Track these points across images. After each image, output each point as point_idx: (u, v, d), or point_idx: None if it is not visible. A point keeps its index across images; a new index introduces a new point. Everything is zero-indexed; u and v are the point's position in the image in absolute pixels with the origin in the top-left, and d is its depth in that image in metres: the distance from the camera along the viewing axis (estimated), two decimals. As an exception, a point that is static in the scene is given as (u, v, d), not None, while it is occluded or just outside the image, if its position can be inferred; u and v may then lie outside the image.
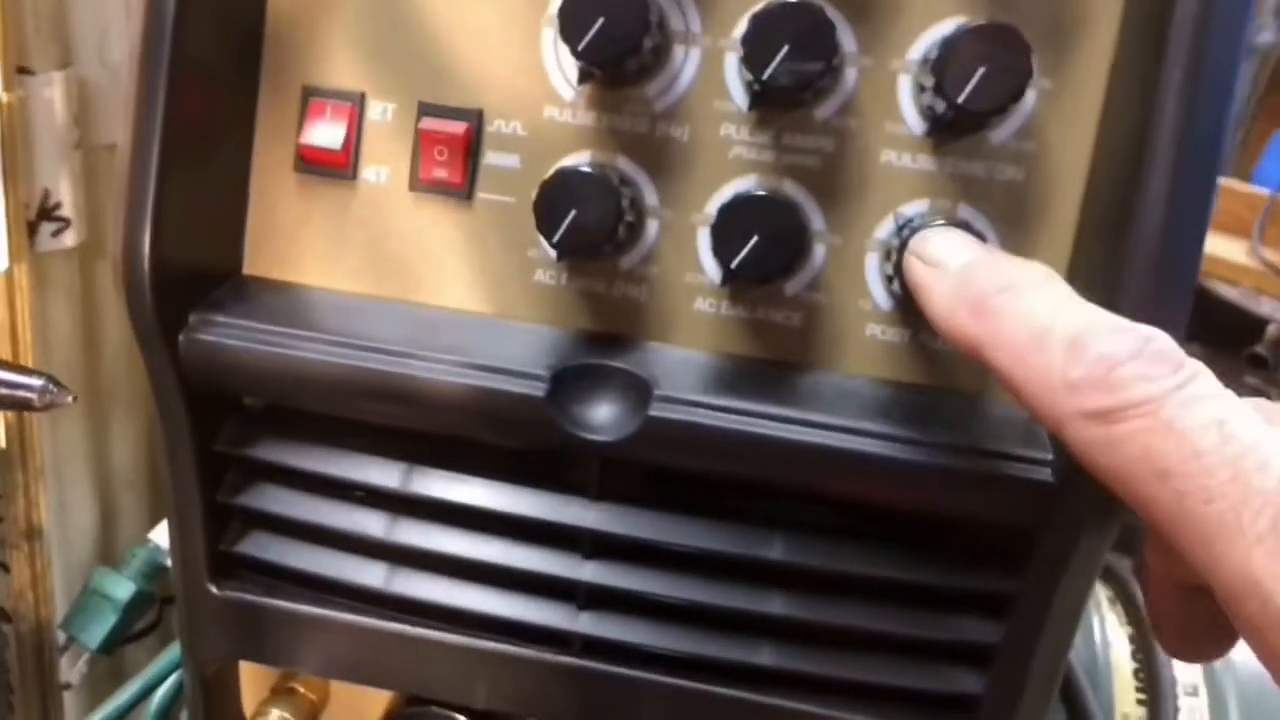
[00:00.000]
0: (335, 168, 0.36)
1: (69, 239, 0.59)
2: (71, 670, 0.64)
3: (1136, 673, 0.63)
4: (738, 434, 0.32)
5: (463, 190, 0.35)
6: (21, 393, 0.30)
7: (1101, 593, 0.68)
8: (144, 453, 0.71)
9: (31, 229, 0.57)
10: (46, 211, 0.58)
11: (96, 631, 0.65)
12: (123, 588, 0.65)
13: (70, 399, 0.31)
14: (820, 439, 0.32)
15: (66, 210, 0.59)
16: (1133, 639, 0.65)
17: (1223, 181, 1.67)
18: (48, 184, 0.58)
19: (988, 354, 0.26)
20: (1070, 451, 0.25)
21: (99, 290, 0.64)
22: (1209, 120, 0.29)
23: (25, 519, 0.58)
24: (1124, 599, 0.66)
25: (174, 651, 0.57)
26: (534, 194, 0.34)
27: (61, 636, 0.65)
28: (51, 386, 0.30)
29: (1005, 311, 0.26)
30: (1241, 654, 0.25)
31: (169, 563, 0.65)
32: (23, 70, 0.55)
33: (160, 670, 0.54)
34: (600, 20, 0.31)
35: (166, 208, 0.33)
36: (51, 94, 0.57)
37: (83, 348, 0.64)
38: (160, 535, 0.67)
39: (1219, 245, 1.57)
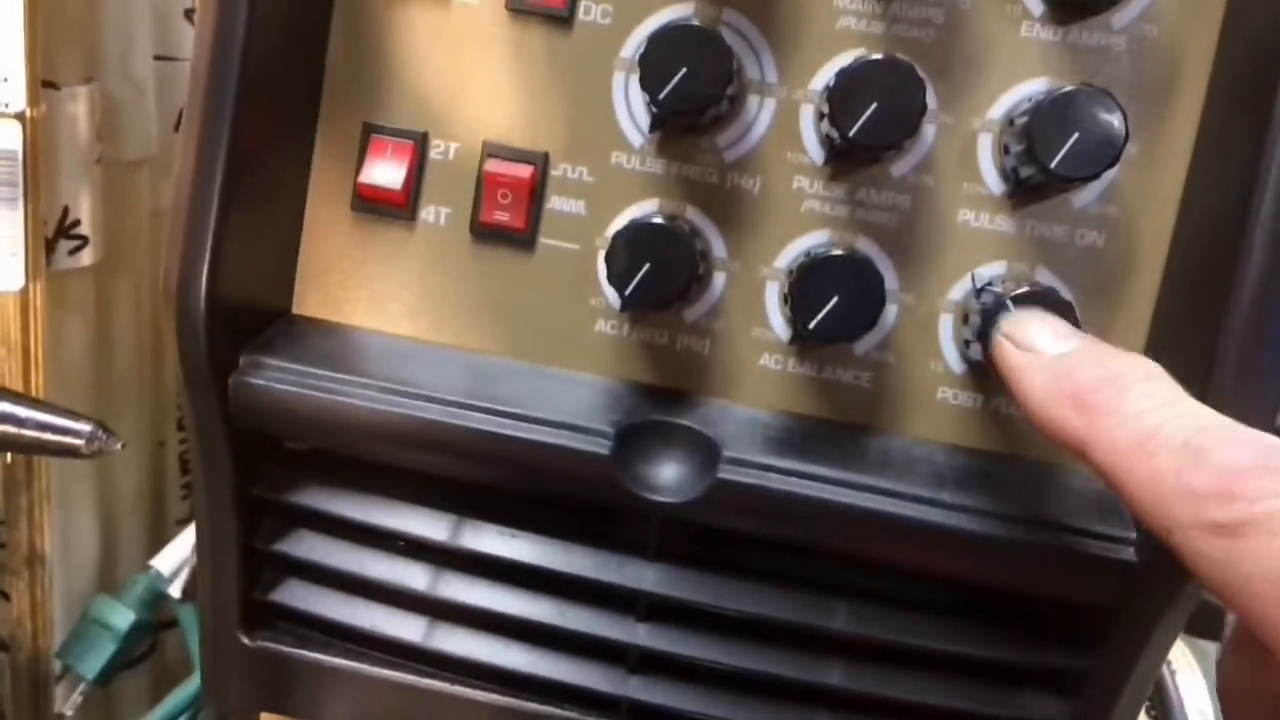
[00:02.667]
0: (394, 207, 0.35)
1: (86, 257, 0.58)
2: (66, 701, 0.62)
3: (1153, 731, 0.62)
4: (807, 499, 0.31)
5: (525, 235, 0.34)
6: (69, 438, 0.28)
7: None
8: (147, 478, 0.69)
9: (49, 246, 0.55)
10: (65, 229, 0.57)
11: (94, 662, 0.63)
12: (122, 616, 0.63)
13: (119, 446, 0.30)
14: (892, 507, 0.31)
15: (85, 228, 0.58)
16: (1150, 697, 0.64)
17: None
18: (68, 201, 0.57)
19: (1089, 452, 0.25)
20: (1177, 557, 0.24)
21: (112, 310, 0.62)
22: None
23: (28, 545, 0.57)
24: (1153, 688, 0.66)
25: (184, 692, 0.55)
26: (599, 242, 0.33)
27: (57, 665, 0.63)
28: (100, 433, 0.29)
29: (1108, 409, 0.25)
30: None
31: (170, 590, 0.63)
32: (47, 84, 0.53)
33: (169, 712, 0.52)
34: (683, 71, 0.30)
35: (225, 245, 0.32)
36: (75, 109, 0.55)
37: (93, 369, 0.62)
38: (161, 562, 0.65)
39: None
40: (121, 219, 0.62)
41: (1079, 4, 0.31)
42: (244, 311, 0.33)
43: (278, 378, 0.33)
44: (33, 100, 0.51)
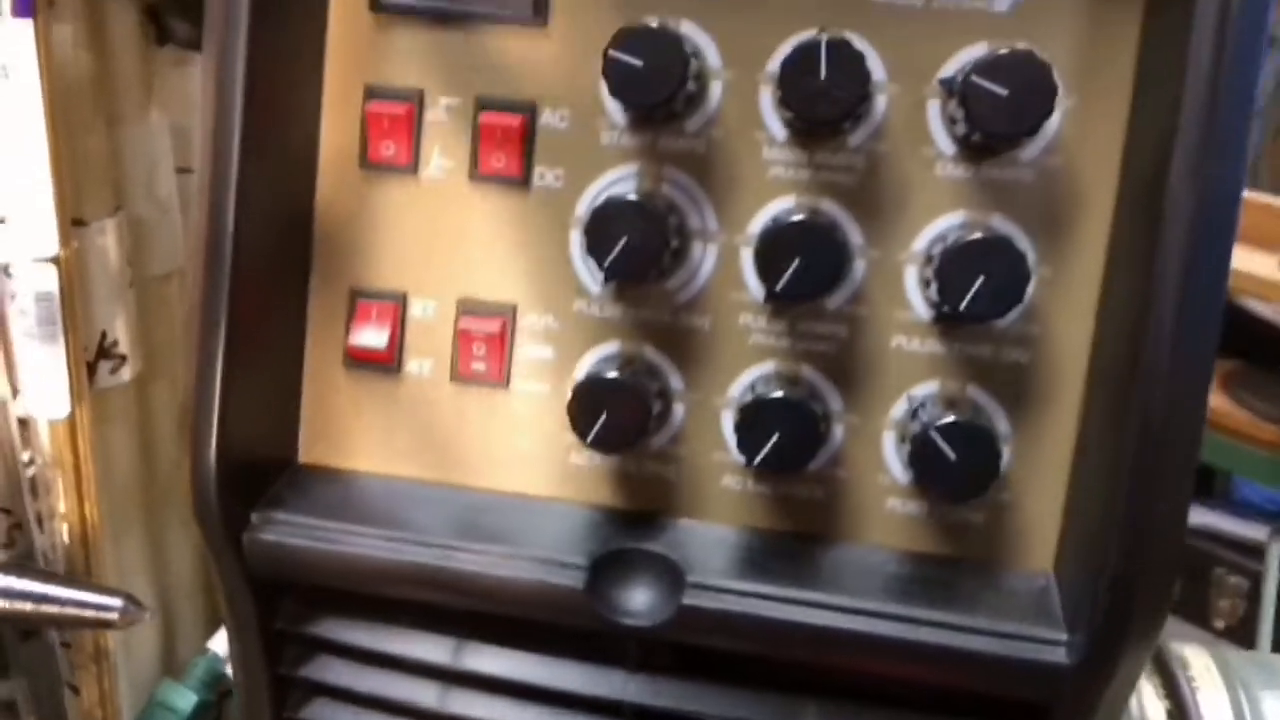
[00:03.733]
0: (382, 363, 0.38)
1: (126, 374, 0.62)
2: (140, 780, 0.67)
3: (1173, 749, 0.64)
4: (765, 620, 0.34)
5: (501, 381, 0.38)
6: (103, 613, 0.32)
7: (1139, 664, 0.69)
8: (200, 563, 0.74)
9: (91, 369, 0.60)
10: (105, 351, 0.61)
11: (163, 744, 0.67)
12: (185, 699, 0.68)
13: (148, 616, 0.34)
14: (843, 623, 0.34)
15: (123, 347, 0.62)
16: (1170, 713, 0.65)
17: (1252, 195, 1.67)
18: (104, 325, 0.61)
19: None
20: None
21: (153, 415, 0.67)
22: (1206, 297, 0.31)
23: (93, 642, 0.61)
24: (1162, 670, 0.67)
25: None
26: (567, 383, 0.37)
27: (129, 749, 0.68)
28: (131, 606, 0.32)
29: None
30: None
31: (227, 670, 0.68)
32: (76, 222, 0.58)
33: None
34: (624, 239, 0.33)
35: (230, 415, 0.36)
36: (105, 241, 0.60)
37: (140, 470, 0.67)
38: (218, 644, 0.70)
39: (1248, 260, 1.56)
40: (155, 329, 0.67)
41: (983, 145, 0.34)
42: (254, 469, 0.37)
43: (288, 532, 0.37)
44: (64, 242, 0.55)
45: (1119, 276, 0.33)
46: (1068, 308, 0.34)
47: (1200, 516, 1.68)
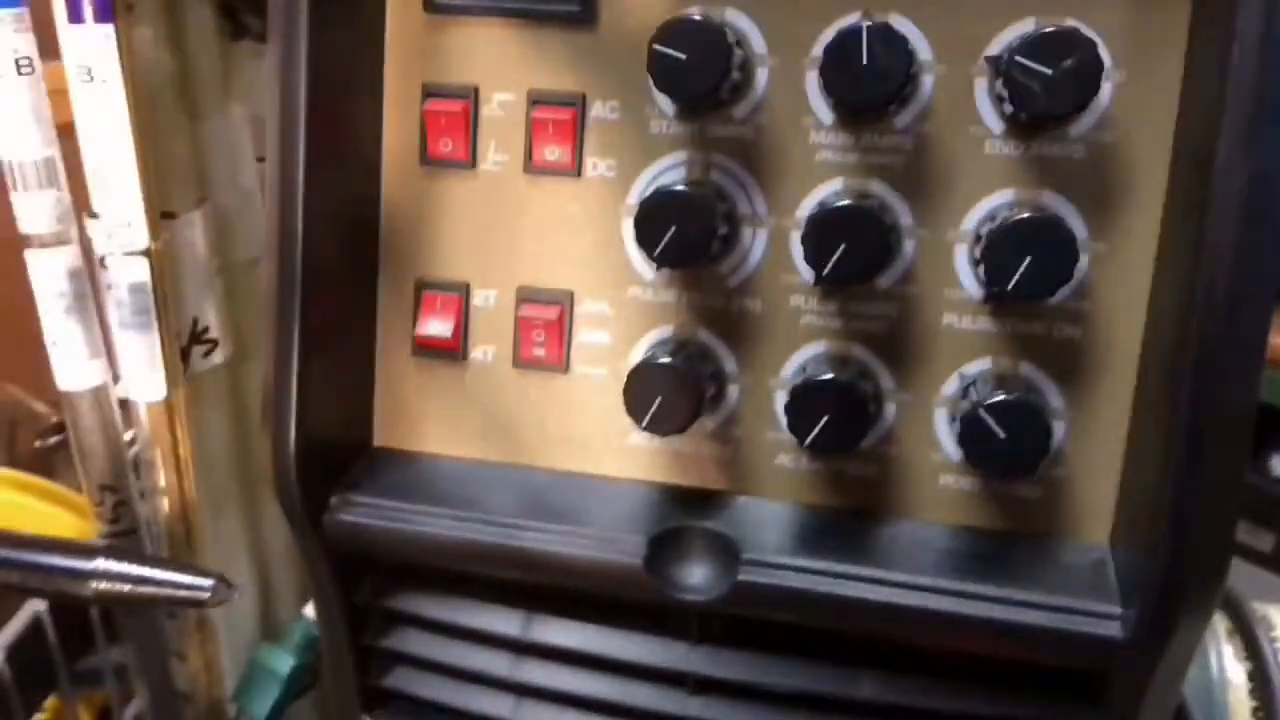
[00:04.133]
0: (448, 350, 0.40)
1: (218, 357, 0.65)
2: (243, 739, 0.71)
3: (1255, 711, 0.63)
4: (820, 595, 0.35)
5: (561, 365, 0.39)
6: (196, 593, 0.35)
7: (1220, 624, 0.68)
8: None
9: (185, 355, 0.63)
10: (197, 336, 0.65)
11: (263, 703, 0.71)
12: (283, 661, 0.72)
13: (236, 595, 0.36)
14: (897, 598, 0.35)
15: (214, 332, 0.65)
16: (1251, 675, 0.64)
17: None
18: (195, 313, 0.64)
19: None
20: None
21: (245, 396, 0.70)
22: (1257, 273, 0.31)
23: (195, 614, 0.65)
24: (1243, 631, 0.66)
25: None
26: (623, 365, 0.38)
27: (232, 709, 0.72)
28: (220, 586, 0.35)
29: None
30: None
31: (322, 633, 0.71)
32: (166, 214, 0.61)
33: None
34: (672, 229, 0.34)
35: (307, 405, 0.38)
36: (193, 233, 0.63)
37: (236, 448, 0.70)
38: (312, 610, 0.73)
39: None
40: (243, 312, 0.70)
41: (1034, 120, 0.33)
42: (332, 453, 0.39)
43: (365, 513, 0.39)
44: (154, 235, 0.58)
45: (1172, 251, 0.33)
46: (1121, 283, 0.34)
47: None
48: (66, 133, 0.57)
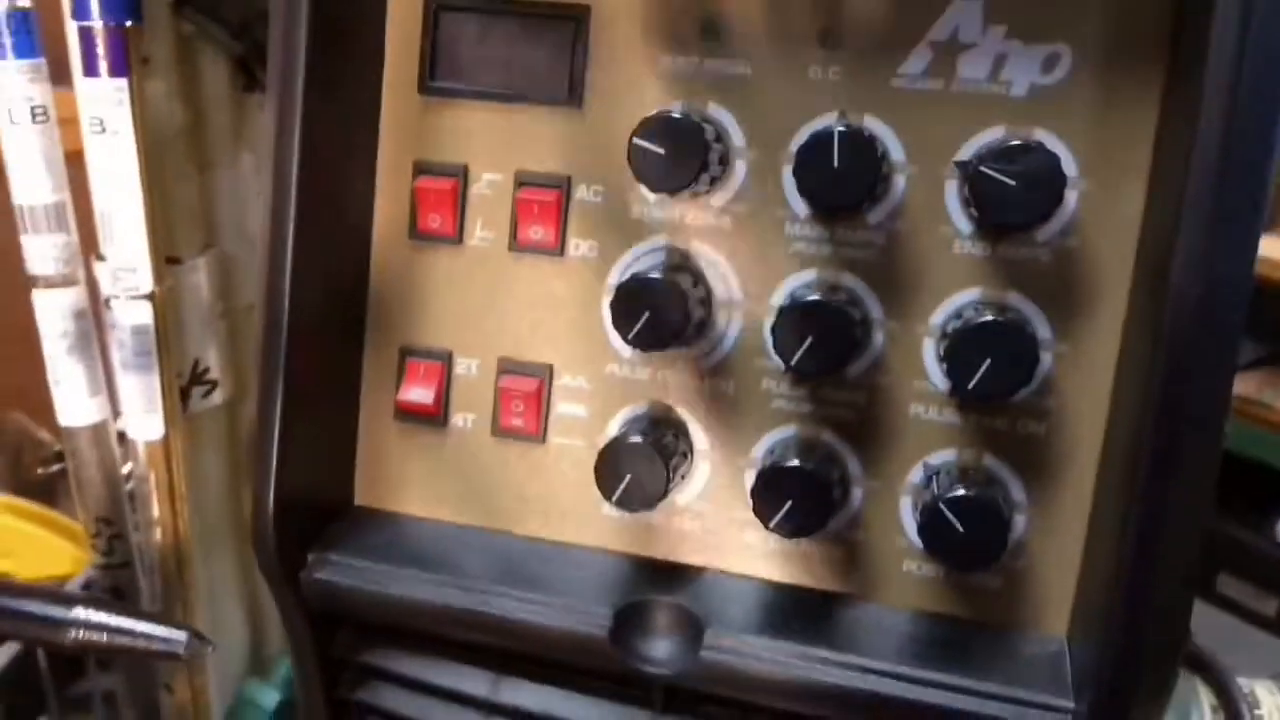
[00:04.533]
0: (429, 416, 0.41)
1: (217, 397, 0.67)
2: (227, 773, 0.72)
3: (1240, 789, 0.63)
4: (781, 677, 0.36)
5: (538, 435, 0.40)
6: (170, 647, 0.36)
7: (1205, 698, 0.68)
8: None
9: (185, 394, 0.64)
10: (197, 377, 0.66)
11: (248, 738, 0.72)
12: (270, 697, 0.72)
13: (210, 650, 0.37)
14: (857, 682, 0.35)
15: (214, 373, 0.66)
16: (1235, 753, 0.64)
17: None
18: (197, 354, 0.66)
19: None
20: None
21: (244, 434, 0.71)
22: (1209, 386, 0.31)
23: (185, 645, 0.66)
24: (1227, 706, 0.66)
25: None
26: (599, 439, 0.39)
27: (218, 742, 0.73)
28: (195, 641, 0.36)
29: None
30: None
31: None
32: (171, 260, 0.62)
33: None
34: (646, 314, 0.35)
35: (287, 460, 0.39)
36: (198, 278, 0.64)
37: (231, 486, 0.71)
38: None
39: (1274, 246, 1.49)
40: (243, 354, 0.71)
41: (1000, 226, 0.34)
42: (311, 510, 0.41)
43: (341, 572, 0.40)
44: (158, 279, 0.59)
45: (1132, 355, 0.34)
46: (1084, 383, 0.35)
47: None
48: (74, 160, 0.59)
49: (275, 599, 0.41)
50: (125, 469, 0.66)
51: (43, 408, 0.94)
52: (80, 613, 0.35)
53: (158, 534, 0.65)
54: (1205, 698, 0.67)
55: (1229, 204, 0.30)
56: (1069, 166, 0.34)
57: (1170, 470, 0.31)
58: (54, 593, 0.41)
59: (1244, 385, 1.56)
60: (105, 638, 0.36)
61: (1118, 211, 0.34)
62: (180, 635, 0.35)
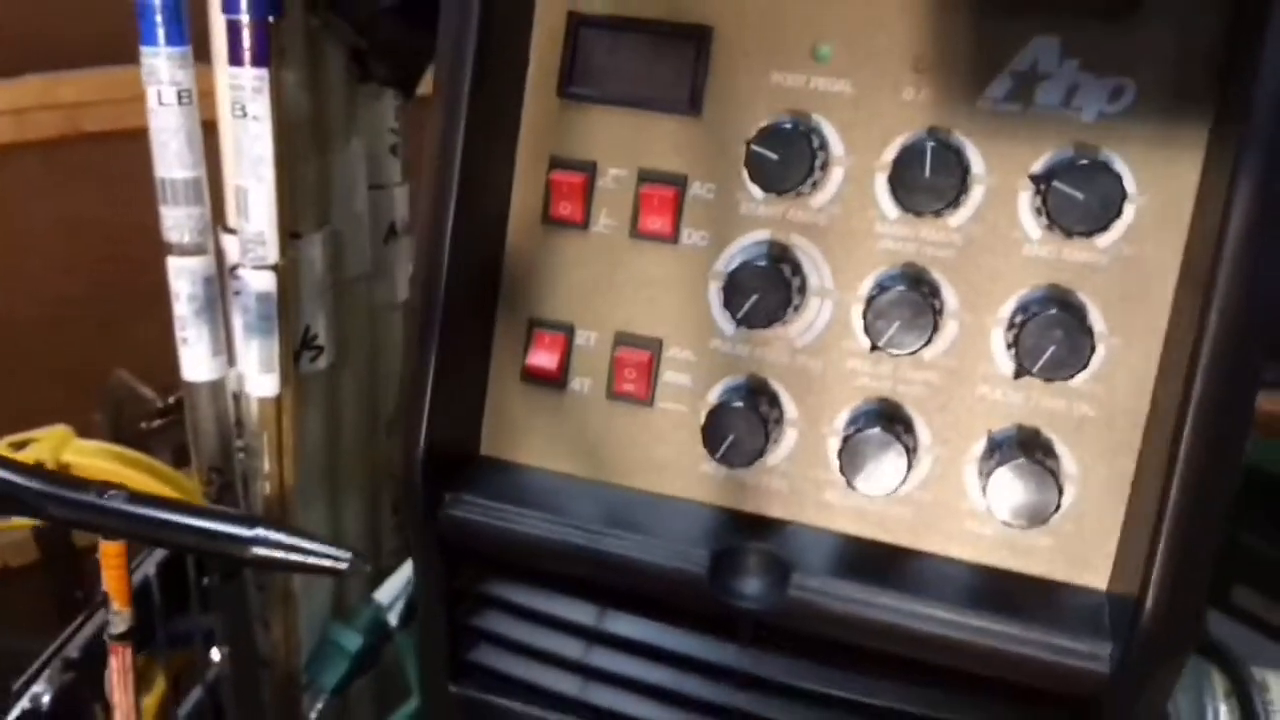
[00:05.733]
0: (551, 380, 0.47)
1: (322, 362, 0.73)
2: (312, 708, 0.78)
3: (1246, 768, 0.67)
4: (854, 615, 0.41)
5: (647, 400, 0.46)
6: (336, 563, 0.42)
7: (1219, 684, 0.72)
8: (367, 525, 0.85)
9: (296, 358, 0.71)
10: (307, 342, 0.72)
11: (331, 676, 0.78)
12: (352, 640, 0.79)
13: (369, 568, 0.43)
14: (920, 625, 0.41)
15: (321, 340, 0.73)
16: (1245, 735, 0.69)
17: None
18: (308, 321, 0.72)
19: None
20: None
21: (339, 398, 0.78)
22: (1238, 386, 0.37)
23: (282, 587, 0.73)
24: (1240, 694, 0.71)
25: (406, 709, 0.70)
26: (700, 405, 0.45)
27: (304, 678, 0.79)
28: (357, 560, 0.42)
29: None
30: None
31: (389, 617, 0.79)
32: (292, 235, 0.68)
33: (394, 724, 0.67)
34: (754, 298, 0.41)
35: (434, 417, 0.45)
36: (314, 252, 0.70)
37: (326, 445, 0.78)
38: (382, 594, 0.81)
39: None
40: (345, 323, 0.77)
41: (1066, 230, 0.40)
42: (447, 460, 0.46)
43: (472, 511, 0.46)
44: (282, 252, 0.66)
45: (1175, 351, 0.39)
46: (1132, 373, 0.41)
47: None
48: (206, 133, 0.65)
49: (413, 535, 0.47)
50: (235, 427, 0.73)
51: (145, 372, 1.01)
52: (261, 531, 0.41)
53: (266, 485, 0.71)
54: (1219, 684, 0.72)
55: (1266, 225, 0.35)
56: (1129, 184, 0.39)
57: (1203, 454, 0.37)
58: (237, 514, 0.47)
59: (1268, 400, 1.59)
60: (280, 554, 0.41)
61: (1169, 225, 0.39)
62: (345, 554, 0.41)
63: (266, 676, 0.78)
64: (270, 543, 0.41)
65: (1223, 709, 0.72)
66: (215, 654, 0.76)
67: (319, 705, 0.79)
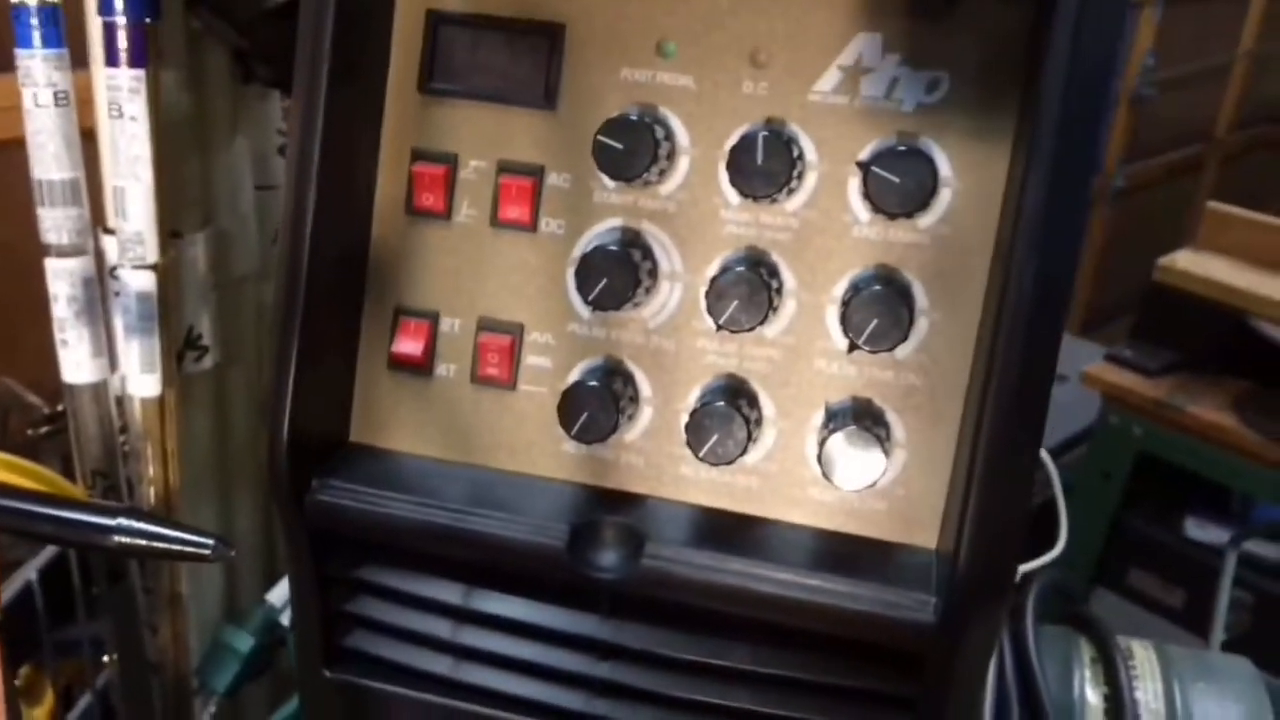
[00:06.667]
0: (417, 366, 0.48)
1: (208, 362, 0.73)
2: (204, 711, 0.78)
3: (1107, 734, 0.71)
4: (707, 581, 0.44)
5: (510, 383, 0.48)
6: (199, 550, 0.43)
7: (1085, 651, 0.76)
8: (260, 526, 0.85)
9: (179, 358, 0.71)
10: (191, 342, 0.73)
11: (223, 678, 0.78)
12: (244, 641, 0.79)
13: (233, 553, 0.44)
14: (767, 587, 0.43)
15: (206, 340, 0.73)
16: (1107, 698, 0.73)
17: (1265, 219, 1.72)
18: (192, 321, 0.72)
19: None
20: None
21: (228, 398, 0.78)
22: (1039, 349, 0.40)
23: (169, 590, 0.73)
24: (1105, 660, 0.75)
25: (290, 706, 0.71)
26: (560, 385, 0.47)
27: (195, 682, 0.79)
28: (220, 545, 0.43)
29: None
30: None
31: (281, 619, 0.79)
32: (173, 234, 0.69)
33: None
34: (604, 280, 0.43)
35: (298, 403, 0.46)
36: (196, 251, 0.71)
37: (215, 445, 0.78)
38: (274, 596, 0.81)
39: (1259, 283, 1.63)
40: (232, 323, 0.78)
41: (889, 213, 0.43)
42: (314, 446, 0.48)
43: (340, 495, 0.47)
44: (162, 251, 0.66)
45: (987, 322, 0.43)
46: (952, 345, 0.44)
47: (1208, 533, 1.74)
48: (85, 138, 0.65)
49: (282, 521, 0.48)
50: (119, 429, 0.73)
51: (29, 378, 1.00)
52: (124, 520, 0.42)
53: (150, 489, 0.71)
54: (1086, 652, 0.76)
55: (1057, 205, 0.39)
56: (945, 169, 0.42)
57: (1006, 420, 0.40)
58: (100, 504, 0.47)
59: (1156, 390, 1.67)
60: (144, 542, 0.42)
61: (983, 207, 0.43)
62: (208, 540, 0.42)
63: (157, 681, 0.78)
64: (133, 531, 0.42)
65: (1088, 675, 0.76)
66: (105, 661, 0.76)
67: (210, 708, 0.79)
